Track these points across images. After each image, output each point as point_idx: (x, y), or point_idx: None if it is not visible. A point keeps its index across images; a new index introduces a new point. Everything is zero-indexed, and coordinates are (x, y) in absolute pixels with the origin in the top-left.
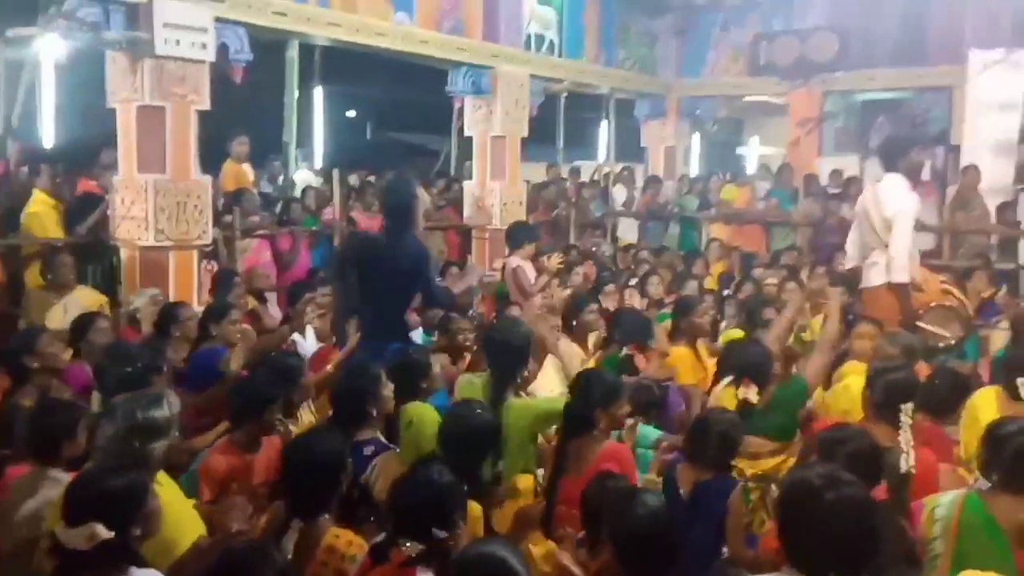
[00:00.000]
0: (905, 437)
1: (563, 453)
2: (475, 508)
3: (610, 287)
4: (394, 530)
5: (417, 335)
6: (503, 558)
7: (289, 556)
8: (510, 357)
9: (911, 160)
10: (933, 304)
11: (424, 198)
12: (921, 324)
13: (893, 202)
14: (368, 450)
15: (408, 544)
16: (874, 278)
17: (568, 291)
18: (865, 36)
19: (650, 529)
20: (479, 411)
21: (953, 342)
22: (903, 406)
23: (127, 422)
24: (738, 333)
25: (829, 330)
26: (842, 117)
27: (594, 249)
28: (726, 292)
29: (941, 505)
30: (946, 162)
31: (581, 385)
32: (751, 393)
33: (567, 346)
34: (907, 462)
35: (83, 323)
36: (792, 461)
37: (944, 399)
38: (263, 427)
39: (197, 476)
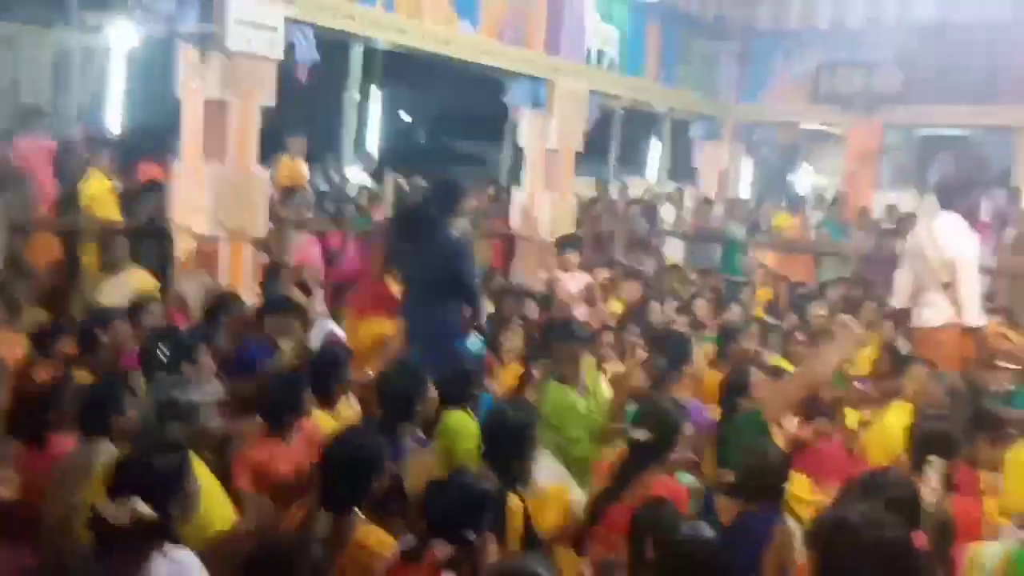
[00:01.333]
0: (927, 489)
1: (623, 482)
2: (515, 502)
3: (656, 307)
4: (426, 530)
5: (471, 341)
6: (537, 573)
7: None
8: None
9: (970, 200)
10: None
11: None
12: (1001, 362)
13: (954, 244)
14: (405, 442)
15: (439, 545)
16: (931, 318)
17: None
18: (931, 71)
19: (701, 559)
20: (519, 409)
21: (1012, 387)
22: (931, 458)
23: (156, 404)
24: (781, 361)
25: (818, 364)
26: (902, 151)
27: (639, 268)
28: (773, 321)
29: (986, 556)
30: (1007, 203)
31: (658, 419)
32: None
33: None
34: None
35: (136, 304)
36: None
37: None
38: (297, 416)
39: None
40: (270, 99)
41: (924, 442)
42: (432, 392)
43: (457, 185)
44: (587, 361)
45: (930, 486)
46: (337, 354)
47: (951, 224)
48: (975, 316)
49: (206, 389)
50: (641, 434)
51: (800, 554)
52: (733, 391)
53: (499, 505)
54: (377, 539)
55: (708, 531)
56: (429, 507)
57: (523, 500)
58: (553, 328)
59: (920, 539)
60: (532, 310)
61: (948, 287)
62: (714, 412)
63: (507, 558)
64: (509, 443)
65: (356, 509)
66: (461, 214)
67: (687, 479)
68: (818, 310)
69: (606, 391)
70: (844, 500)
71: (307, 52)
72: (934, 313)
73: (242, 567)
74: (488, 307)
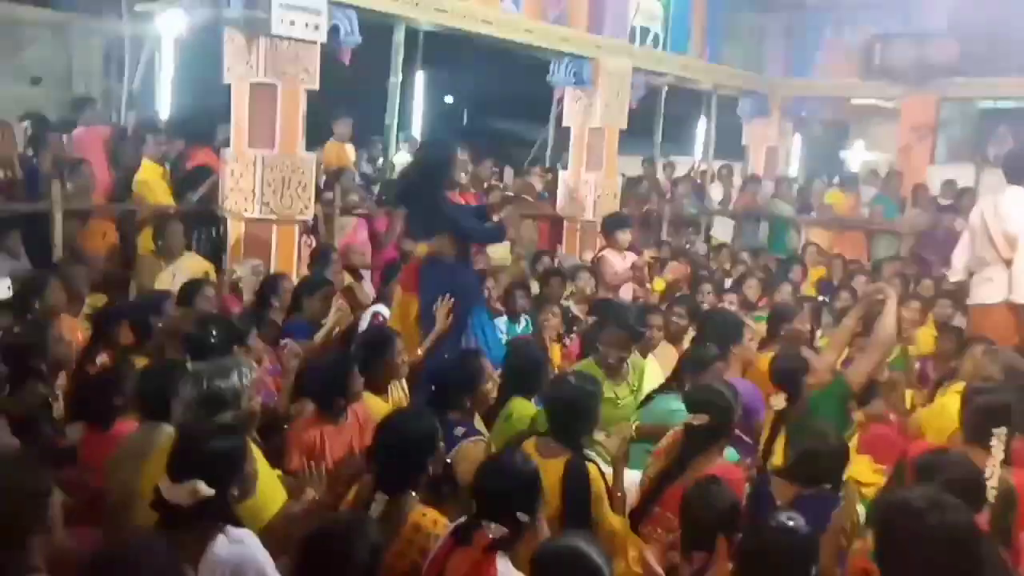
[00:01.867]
0: (993, 462)
1: (681, 463)
2: (594, 470)
3: (706, 287)
4: (477, 512)
5: (501, 323)
6: (584, 552)
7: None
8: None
9: None
10: None
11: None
12: None
13: (1018, 217)
14: (459, 431)
15: (493, 526)
16: (987, 295)
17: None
18: (988, 42)
19: (786, 549)
20: (581, 379)
21: None
22: (995, 430)
23: (195, 390)
24: None
25: (883, 331)
26: (958, 125)
27: (688, 247)
28: (823, 299)
29: None
30: None
31: (714, 404)
32: (779, 400)
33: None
34: (988, 488)
35: (191, 289)
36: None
37: None
38: (345, 398)
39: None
40: (314, 83)
41: (985, 414)
42: (491, 385)
43: (444, 146)
44: (634, 354)
45: (996, 459)
46: (383, 336)
47: (1018, 198)
48: (1022, 292)
49: (244, 372)
50: (698, 419)
51: (856, 538)
52: (797, 372)
53: (540, 480)
54: (432, 519)
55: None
56: (480, 488)
57: (598, 467)
58: (607, 311)
59: (981, 521)
60: (585, 284)
61: (1011, 263)
62: (765, 393)
63: (554, 537)
64: (573, 418)
65: (410, 491)
66: (453, 176)
67: (732, 457)
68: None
69: (653, 376)
70: (899, 481)
71: (350, 35)
72: (991, 290)
73: (301, 546)
74: (533, 287)
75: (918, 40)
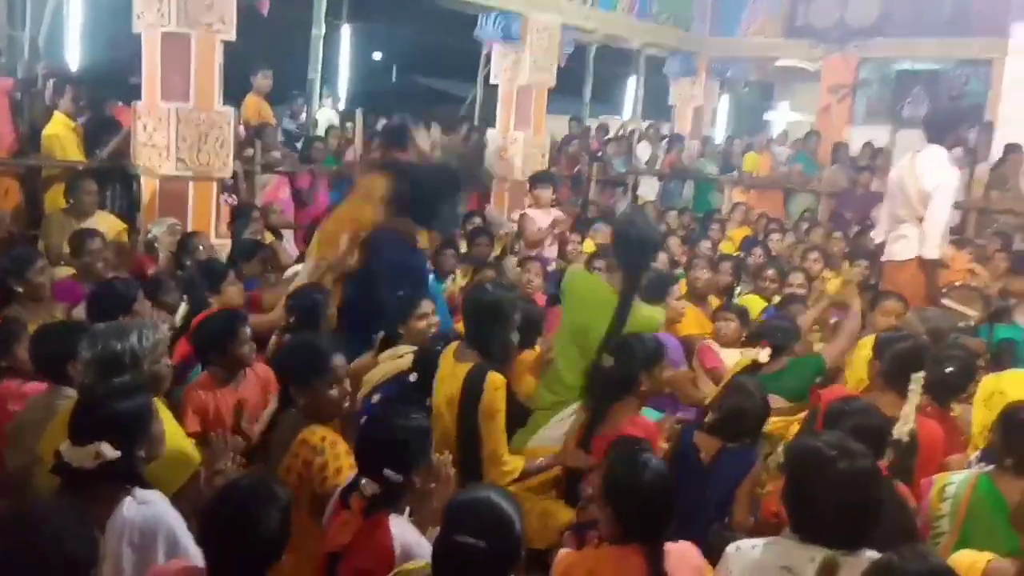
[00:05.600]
0: (910, 407)
1: (599, 414)
2: (496, 379)
3: None
4: (359, 471)
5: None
6: (496, 502)
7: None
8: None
9: (958, 135)
10: (958, 283)
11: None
12: (946, 302)
13: (935, 175)
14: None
15: (365, 483)
16: (901, 251)
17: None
18: (906, 4)
19: (651, 491)
20: (496, 288)
21: (974, 322)
22: (914, 375)
23: (91, 352)
24: (754, 298)
25: (850, 320)
26: (876, 86)
27: (614, 206)
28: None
29: (952, 483)
30: (978, 138)
31: (623, 348)
32: (763, 354)
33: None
34: (902, 429)
35: (78, 241)
36: (796, 427)
37: (951, 381)
38: (235, 361)
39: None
40: (230, 33)
41: (901, 360)
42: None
43: (404, 125)
44: None
45: (913, 403)
46: (316, 298)
47: (935, 157)
48: (932, 248)
49: (144, 334)
50: (607, 361)
51: (768, 482)
52: (788, 335)
53: (426, 433)
54: (320, 435)
55: (658, 464)
56: (358, 446)
57: (505, 375)
58: None
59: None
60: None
61: (923, 220)
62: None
63: (466, 489)
64: (487, 321)
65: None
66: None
67: (655, 415)
68: (786, 242)
69: None
70: (811, 425)
71: None
72: (904, 246)
73: (206, 512)
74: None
75: (839, 1)
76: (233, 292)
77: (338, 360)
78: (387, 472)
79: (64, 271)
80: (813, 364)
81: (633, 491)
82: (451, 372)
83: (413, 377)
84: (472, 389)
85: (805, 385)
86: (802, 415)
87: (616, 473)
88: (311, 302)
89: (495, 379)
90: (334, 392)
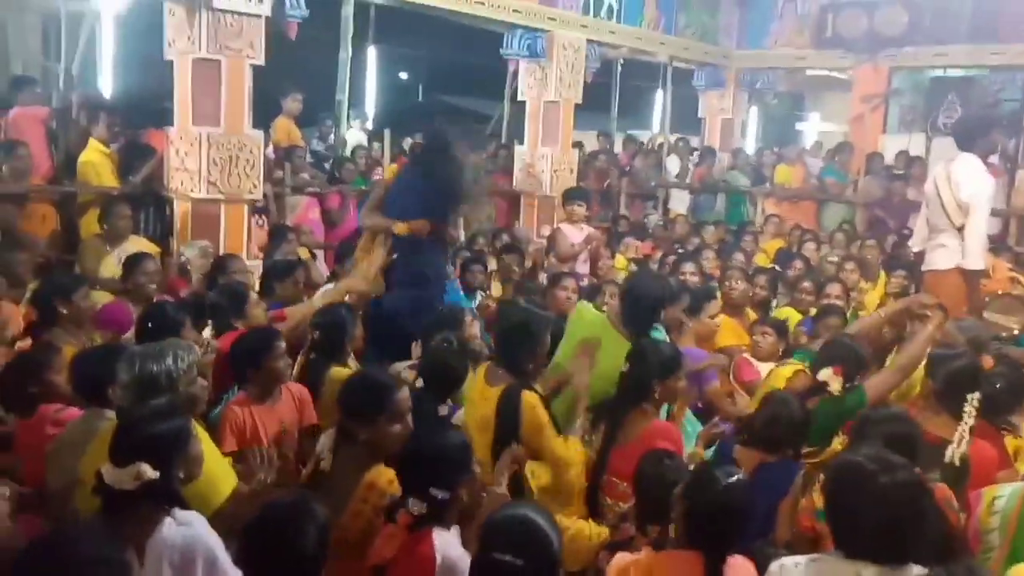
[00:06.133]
0: (964, 429)
1: (616, 423)
2: (531, 398)
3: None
4: (403, 490)
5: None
6: (534, 520)
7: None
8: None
9: (990, 141)
10: (1000, 292)
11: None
12: (987, 314)
13: (969, 184)
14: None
15: (411, 502)
16: (940, 261)
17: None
18: (937, 11)
19: (727, 502)
20: (527, 309)
21: (1017, 332)
22: (969, 396)
23: (128, 374)
24: (790, 311)
25: (910, 354)
26: (909, 94)
27: (645, 220)
28: (777, 268)
29: (1002, 496)
30: (1017, 145)
31: (638, 355)
32: (835, 382)
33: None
34: (955, 453)
35: (131, 263)
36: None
37: (1000, 398)
38: (271, 376)
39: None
40: (260, 58)
41: (957, 380)
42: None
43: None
44: None
45: (967, 424)
46: (342, 315)
47: (969, 165)
48: (975, 259)
49: (180, 355)
50: (625, 368)
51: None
52: (860, 364)
53: (468, 449)
54: (388, 478)
55: (739, 476)
56: (402, 465)
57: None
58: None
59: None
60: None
61: (963, 230)
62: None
63: (504, 506)
64: (518, 340)
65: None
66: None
67: (696, 425)
68: (831, 256)
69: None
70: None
71: (296, 8)
72: (944, 256)
73: (246, 530)
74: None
75: (868, 9)
76: (258, 314)
77: (402, 394)
78: (433, 491)
79: (100, 296)
80: (851, 402)
81: (710, 500)
82: (482, 395)
83: (419, 383)
84: (508, 412)
85: (836, 427)
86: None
87: (698, 478)
88: (338, 319)
89: (530, 399)
90: (397, 428)
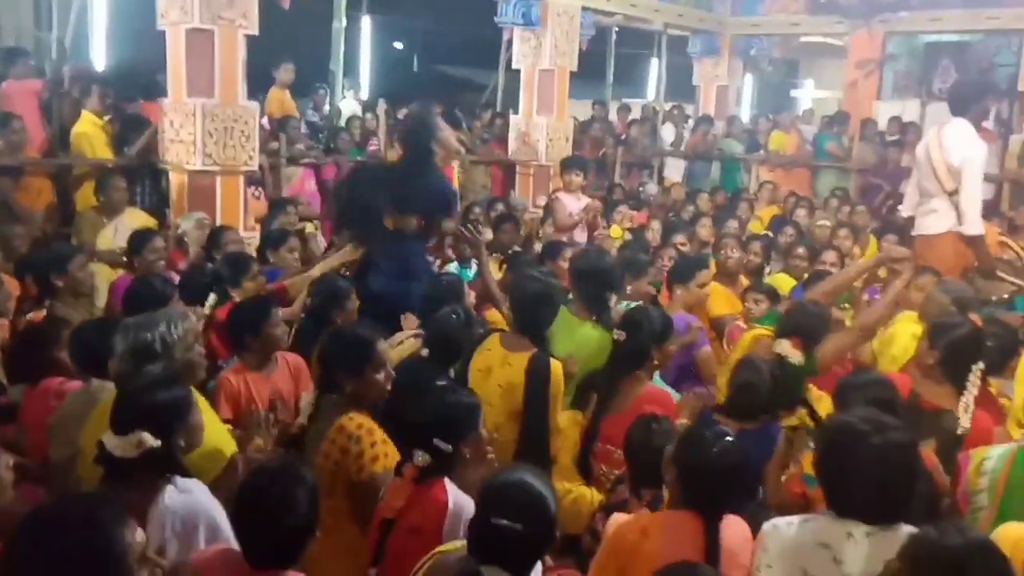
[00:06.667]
0: (968, 399)
1: (610, 391)
2: (559, 365)
3: (654, 225)
4: (407, 444)
5: (453, 267)
6: (532, 485)
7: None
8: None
9: (983, 107)
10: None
11: (448, 133)
12: (1001, 274)
13: (961, 149)
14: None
15: (419, 454)
16: (932, 225)
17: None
18: None
19: (720, 462)
20: (541, 278)
21: (1007, 296)
22: (974, 367)
23: (123, 344)
24: (783, 277)
25: (878, 310)
26: (904, 60)
27: (640, 189)
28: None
29: (990, 458)
30: (1011, 110)
31: (634, 321)
32: (794, 356)
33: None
34: (964, 424)
35: (139, 240)
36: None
37: (993, 356)
38: (269, 343)
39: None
40: (253, 27)
41: (958, 350)
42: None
43: (434, 126)
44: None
45: (971, 394)
46: (337, 285)
47: (961, 131)
48: (974, 224)
49: (173, 323)
50: (618, 335)
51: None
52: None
53: (476, 408)
54: (358, 423)
55: (732, 437)
56: (409, 420)
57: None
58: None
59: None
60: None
61: (953, 195)
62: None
63: (502, 471)
64: (539, 308)
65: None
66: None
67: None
68: (821, 221)
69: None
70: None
71: None
72: (935, 220)
73: (237, 494)
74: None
75: None
76: (252, 288)
77: (381, 345)
78: (436, 442)
79: (98, 268)
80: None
81: (702, 461)
82: (502, 360)
83: (425, 352)
84: (539, 377)
85: (796, 388)
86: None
87: (688, 440)
88: (335, 288)
89: (558, 366)
90: (380, 376)
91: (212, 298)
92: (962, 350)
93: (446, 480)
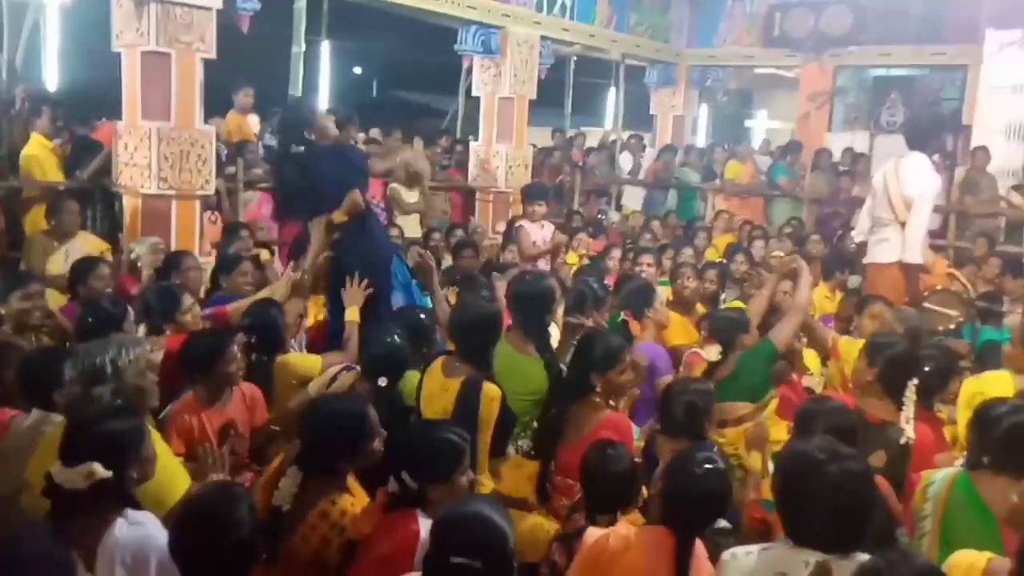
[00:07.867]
0: (908, 412)
1: (560, 418)
2: (492, 389)
3: (615, 253)
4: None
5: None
6: (488, 518)
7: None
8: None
9: (941, 141)
10: (938, 287)
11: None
12: (927, 305)
13: (917, 181)
14: None
15: (391, 484)
16: (882, 255)
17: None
18: (880, 11)
19: (704, 485)
20: (482, 302)
21: (953, 326)
22: (909, 383)
23: (74, 369)
24: (739, 305)
25: (800, 297)
26: (853, 93)
27: (600, 217)
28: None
29: (934, 482)
30: (956, 143)
31: (580, 348)
32: (712, 351)
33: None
34: (909, 434)
35: (83, 268)
36: (751, 427)
37: (929, 381)
38: (220, 379)
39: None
40: (210, 51)
41: (896, 366)
42: None
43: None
44: None
45: (910, 409)
46: (271, 313)
47: (919, 164)
48: (913, 253)
49: (125, 348)
50: (567, 362)
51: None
52: (736, 329)
53: (456, 452)
54: (341, 509)
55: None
56: (387, 447)
57: (499, 386)
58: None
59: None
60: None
61: (905, 225)
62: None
63: (457, 503)
64: (479, 335)
65: (333, 474)
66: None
67: None
68: (776, 251)
69: None
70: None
71: (248, 0)
72: (886, 249)
73: (177, 519)
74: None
75: (814, 10)
76: (189, 320)
77: (372, 414)
78: (404, 475)
79: (48, 293)
80: (763, 353)
81: (687, 482)
82: (441, 387)
83: (383, 382)
84: (468, 400)
85: (762, 379)
86: (770, 408)
87: (677, 463)
88: (267, 319)
89: (491, 390)
90: (376, 443)
91: (141, 330)
92: (899, 365)
93: (418, 512)
